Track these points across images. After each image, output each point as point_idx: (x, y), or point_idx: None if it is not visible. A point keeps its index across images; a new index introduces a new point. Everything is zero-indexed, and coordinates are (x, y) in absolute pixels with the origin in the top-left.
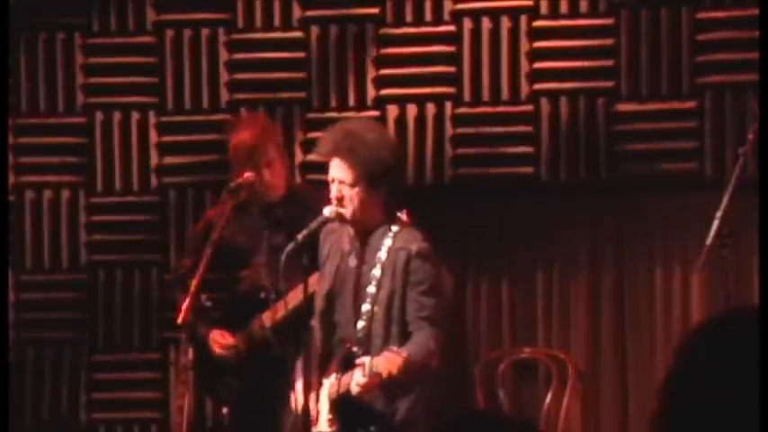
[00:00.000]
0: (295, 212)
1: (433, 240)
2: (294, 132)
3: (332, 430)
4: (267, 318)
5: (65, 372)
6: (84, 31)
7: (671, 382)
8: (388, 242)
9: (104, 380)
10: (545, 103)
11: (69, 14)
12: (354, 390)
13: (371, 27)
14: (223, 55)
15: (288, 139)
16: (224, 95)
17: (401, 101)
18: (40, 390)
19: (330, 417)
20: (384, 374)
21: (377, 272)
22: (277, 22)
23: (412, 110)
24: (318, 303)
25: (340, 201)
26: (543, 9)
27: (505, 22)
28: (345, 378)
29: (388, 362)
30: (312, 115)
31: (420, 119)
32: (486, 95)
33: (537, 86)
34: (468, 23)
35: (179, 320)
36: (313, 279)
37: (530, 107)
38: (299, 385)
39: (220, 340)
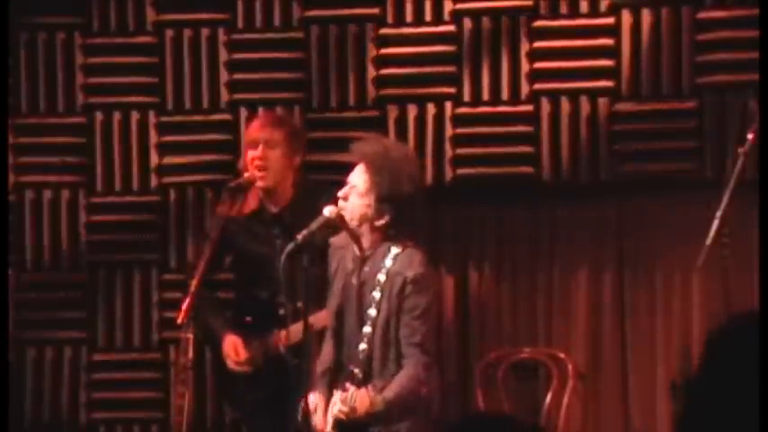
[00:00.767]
0: (306, 217)
1: (432, 242)
2: None
3: None
4: (284, 337)
5: (65, 372)
6: (84, 31)
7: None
8: (388, 263)
9: (104, 380)
10: (545, 103)
11: (69, 14)
12: (336, 413)
13: (371, 27)
14: (223, 55)
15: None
16: (224, 95)
17: (401, 101)
18: (40, 390)
19: None
20: (358, 410)
21: (377, 294)
22: (277, 22)
23: (412, 110)
24: (330, 320)
25: (344, 200)
26: (543, 9)
27: (505, 22)
28: (343, 396)
29: (361, 400)
30: (312, 115)
31: (420, 119)
32: (486, 95)
33: (537, 86)
34: (468, 23)
35: (179, 320)
36: (321, 315)
37: (530, 107)
38: (311, 398)
39: (233, 356)
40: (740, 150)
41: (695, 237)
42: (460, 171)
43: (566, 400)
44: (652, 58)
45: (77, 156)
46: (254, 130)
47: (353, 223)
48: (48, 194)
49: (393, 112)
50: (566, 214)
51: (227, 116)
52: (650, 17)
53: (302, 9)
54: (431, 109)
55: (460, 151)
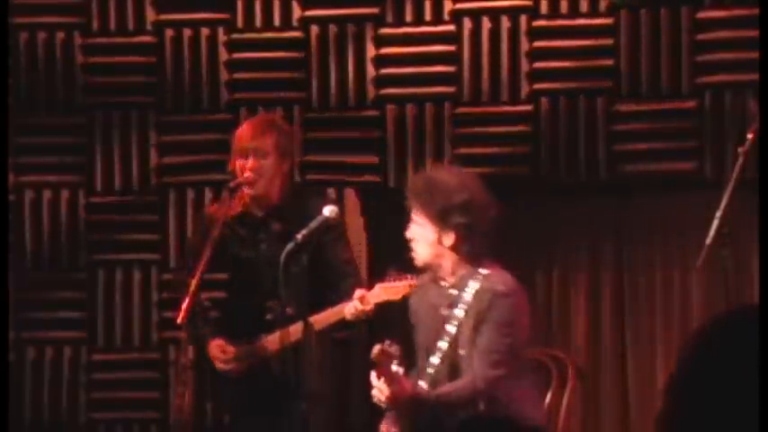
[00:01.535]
0: (295, 222)
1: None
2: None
3: None
4: (271, 343)
5: (65, 372)
6: (84, 31)
7: (676, 383)
8: (475, 284)
9: (104, 380)
10: (545, 103)
11: (69, 14)
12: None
13: (371, 27)
14: (223, 55)
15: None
16: (224, 95)
17: (401, 101)
18: (40, 390)
19: None
20: (395, 392)
21: (459, 312)
22: (277, 21)
23: (412, 110)
24: (419, 359)
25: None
26: (543, 9)
27: (505, 22)
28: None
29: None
30: (312, 115)
31: (420, 119)
32: (486, 95)
33: (537, 86)
34: (468, 23)
35: (179, 320)
36: (317, 318)
37: (530, 107)
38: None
39: (221, 356)
40: (740, 150)
41: (695, 237)
42: None
43: (566, 400)
44: (652, 58)
45: (77, 156)
46: (245, 139)
47: (428, 261)
48: (48, 194)
49: (393, 112)
50: (565, 214)
51: (227, 116)
52: (649, 17)
53: (302, 9)
54: (430, 109)
55: (461, 151)
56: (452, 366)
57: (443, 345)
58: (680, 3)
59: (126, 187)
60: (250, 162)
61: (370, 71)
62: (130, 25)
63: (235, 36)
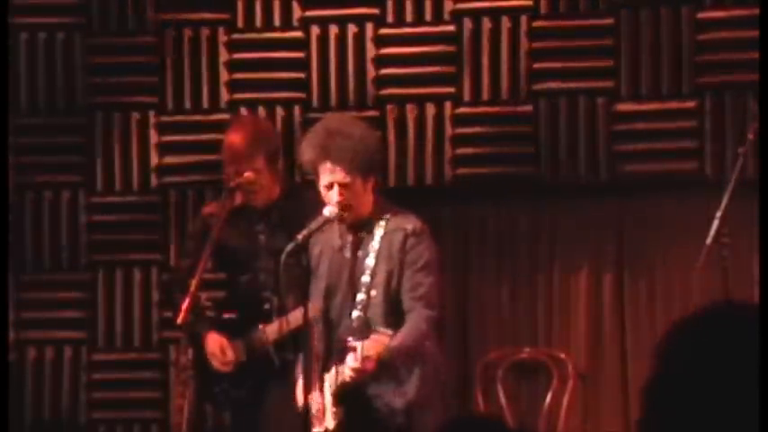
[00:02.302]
0: (293, 214)
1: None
2: (294, 132)
3: (337, 422)
4: (269, 332)
5: (65, 372)
6: (84, 30)
7: (653, 383)
8: (380, 231)
9: (104, 379)
10: (545, 103)
11: (70, 14)
12: (347, 374)
13: (371, 27)
14: (223, 55)
15: (287, 139)
16: (224, 95)
17: (401, 101)
18: (40, 390)
19: (334, 410)
20: (374, 356)
21: (370, 261)
22: (277, 21)
23: (412, 110)
24: (316, 305)
25: (345, 206)
26: (543, 9)
27: (505, 22)
28: (342, 368)
29: (375, 343)
30: (312, 115)
31: (420, 119)
32: (486, 95)
33: (537, 86)
34: (468, 23)
35: (179, 320)
36: (314, 305)
37: (530, 107)
38: (300, 385)
39: (219, 356)
40: (740, 150)
41: (695, 237)
42: (460, 171)
43: (566, 400)
44: (652, 59)
45: (77, 156)
46: (236, 154)
47: (356, 211)
48: (48, 194)
49: (393, 112)
50: (566, 214)
51: (227, 116)
52: (650, 17)
53: (302, 9)
54: (431, 109)
55: (460, 151)
56: (376, 309)
57: (361, 297)
58: (680, 3)
59: (126, 187)
60: (246, 177)
61: (371, 71)
62: (131, 25)
63: (235, 36)
